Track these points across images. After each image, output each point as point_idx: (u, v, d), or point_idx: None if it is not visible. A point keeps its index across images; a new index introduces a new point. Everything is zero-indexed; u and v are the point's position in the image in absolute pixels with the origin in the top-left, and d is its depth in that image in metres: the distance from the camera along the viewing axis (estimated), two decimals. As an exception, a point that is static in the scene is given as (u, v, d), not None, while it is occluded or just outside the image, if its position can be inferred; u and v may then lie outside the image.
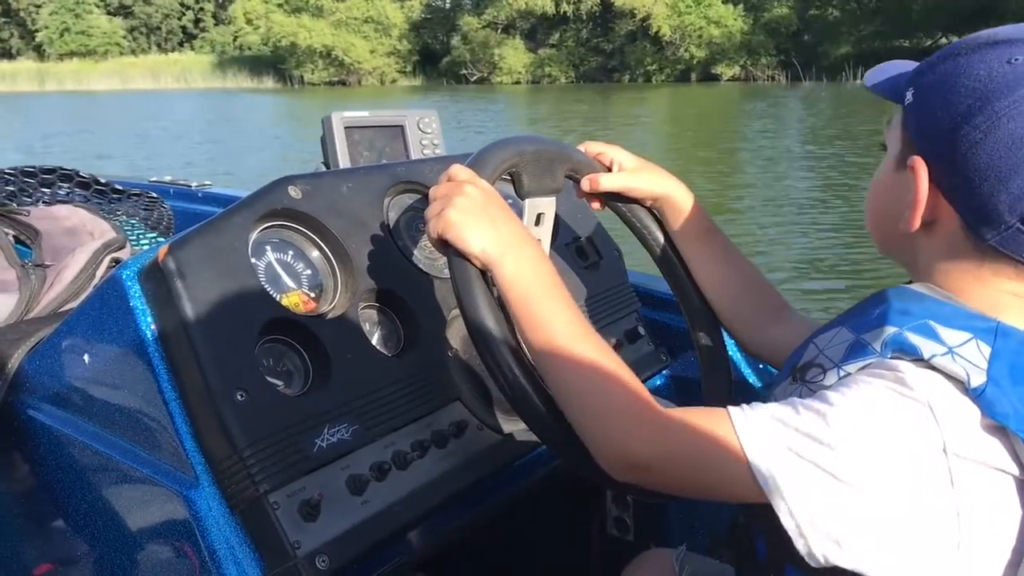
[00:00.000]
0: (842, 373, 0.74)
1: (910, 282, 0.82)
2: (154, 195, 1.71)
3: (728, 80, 34.48)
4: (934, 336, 0.71)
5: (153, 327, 0.88)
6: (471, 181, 0.86)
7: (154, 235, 1.52)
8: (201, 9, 59.26)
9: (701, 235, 1.08)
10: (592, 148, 1.08)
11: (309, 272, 1.02)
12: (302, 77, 41.63)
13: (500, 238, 0.83)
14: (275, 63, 42.97)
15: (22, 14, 53.86)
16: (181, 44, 58.46)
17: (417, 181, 1.16)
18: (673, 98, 25.94)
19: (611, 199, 1.09)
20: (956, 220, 0.74)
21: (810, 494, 0.69)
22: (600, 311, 1.28)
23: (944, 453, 0.68)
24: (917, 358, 0.70)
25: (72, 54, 50.87)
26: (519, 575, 1.53)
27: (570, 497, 1.39)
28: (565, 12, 38.49)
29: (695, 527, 1.37)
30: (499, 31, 40.00)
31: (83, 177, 1.61)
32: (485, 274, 0.84)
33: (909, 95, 0.78)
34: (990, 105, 0.70)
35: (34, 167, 1.56)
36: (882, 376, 0.71)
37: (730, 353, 1.12)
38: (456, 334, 1.09)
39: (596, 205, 1.10)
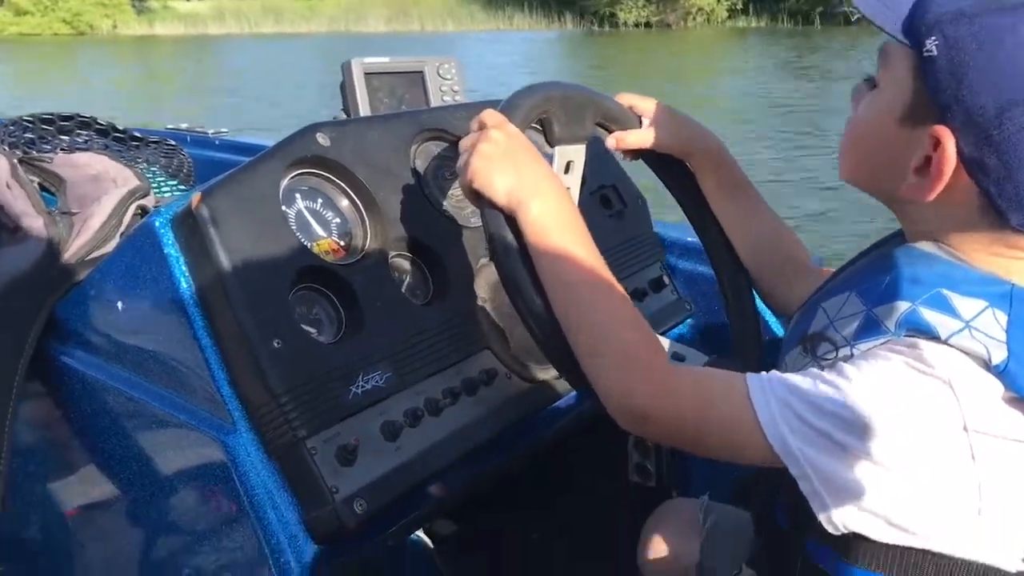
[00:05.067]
0: (856, 351, 0.72)
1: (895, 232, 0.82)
2: (172, 143, 1.70)
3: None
4: (949, 310, 0.69)
5: (188, 275, 0.88)
6: (497, 126, 0.85)
7: (175, 183, 1.52)
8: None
9: (732, 189, 1.07)
10: (625, 99, 1.06)
11: (338, 220, 1.02)
12: (612, 16, 35.08)
13: (524, 182, 0.82)
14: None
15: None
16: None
17: (443, 128, 1.15)
18: None
19: (641, 153, 1.08)
20: (976, 196, 0.70)
21: (827, 462, 0.69)
22: (624, 260, 1.27)
23: (965, 430, 0.67)
24: (934, 337, 0.68)
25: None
26: (547, 521, 1.56)
27: (598, 444, 1.41)
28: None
29: (719, 476, 1.39)
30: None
31: (101, 124, 1.59)
32: (513, 220, 0.83)
33: (932, 45, 0.69)
34: None
35: (51, 114, 1.55)
36: (901, 352, 0.69)
37: (760, 308, 1.12)
38: (485, 283, 1.08)
39: (627, 157, 1.09)
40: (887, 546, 0.71)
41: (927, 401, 0.67)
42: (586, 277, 0.80)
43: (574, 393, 1.10)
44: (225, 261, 0.86)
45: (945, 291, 0.70)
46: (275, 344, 0.85)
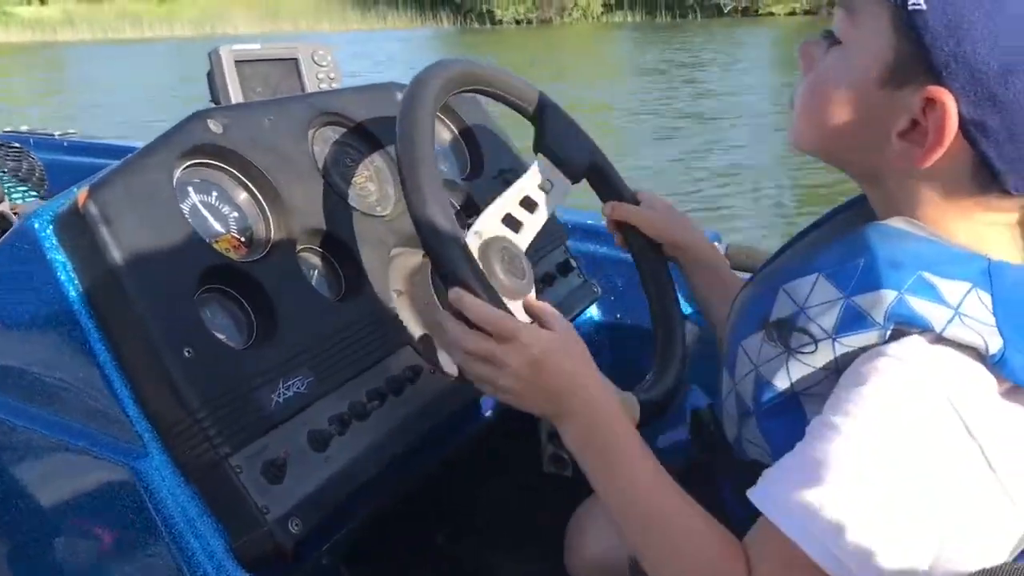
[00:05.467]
0: (839, 349, 0.67)
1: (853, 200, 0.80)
2: (17, 145, 1.55)
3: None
4: (935, 296, 0.64)
5: (77, 281, 0.79)
6: (513, 347, 0.77)
7: (26, 188, 1.38)
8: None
9: (723, 290, 1.02)
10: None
11: (236, 214, 0.93)
12: (490, 13, 34.79)
13: (557, 409, 0.79)
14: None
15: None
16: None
17: (339, 113, 1.08)
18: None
19: (629, 229, 1.06)
20: (965, 161, 0.66)
21: (871, 552, 0.61)
22: (532, 244, 1.23)
23: (971, 437, 0.62)
24: (926, 330, 0.64)
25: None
26: (479, 518, 1.50)
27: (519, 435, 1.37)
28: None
29: None
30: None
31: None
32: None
33: None
34: None
35: None
36: (893, 377, 0.63)
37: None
38: (399, 274, 1.03)
39: (611, 227, 1.08)
40: None
41: (933, 430, 0.62)
42: (652, 484, 0.75)
43: None
44: (121, 264, 0.76)
45: (926, 275, 0.65)
46: (185, 353, 0.76)
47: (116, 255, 0.76)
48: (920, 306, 0.64)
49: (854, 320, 0.66)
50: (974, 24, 0.62)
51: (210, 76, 1.42)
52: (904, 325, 0.64)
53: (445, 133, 1.27)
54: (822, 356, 0.68)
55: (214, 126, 0.91)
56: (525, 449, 1.40)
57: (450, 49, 24.43)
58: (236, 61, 1.42)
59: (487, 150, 1.24)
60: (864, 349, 0.66)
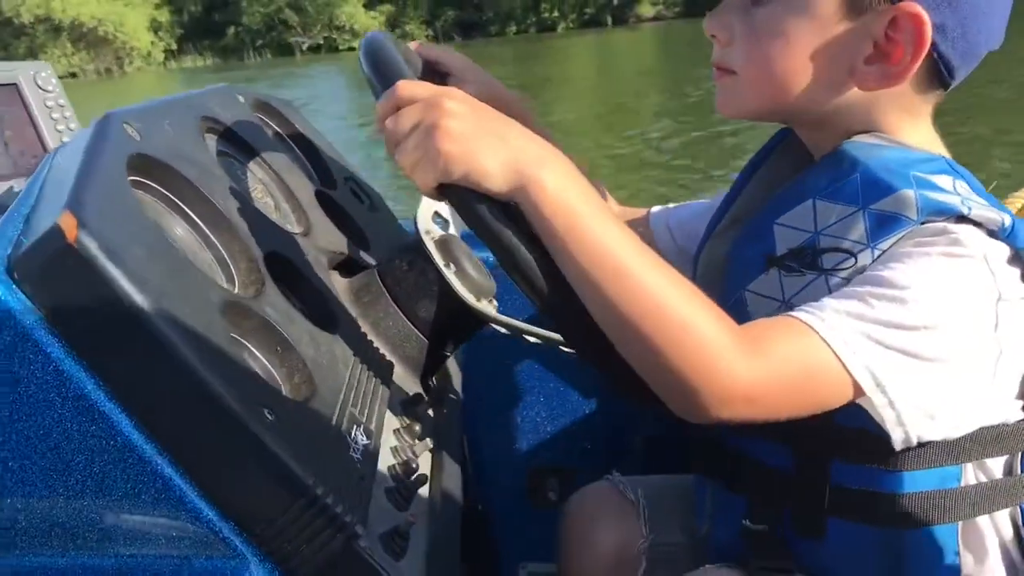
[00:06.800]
0: (877, 252, 0.70)
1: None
2: None
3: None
4: (939, 189, 0.69)
5: (90, 357, 0.55)
6: (445, 94, 0.65)
7: None
8: None
9: None
10: (429, 52, 0.95)
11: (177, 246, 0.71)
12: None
13: (521, 154, 0.64)
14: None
15: None
16: None
17: (215, 118, 0.91)
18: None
19: None
20: (927, 63, 0.71)
21: (905, 380, 0.66)
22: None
23: (998, 301, 0.68)
24: (955, 215, 0.69)
25: None
26: None
27: None
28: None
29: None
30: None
31: None
32: (508, 207, 0.65)
33: None
34: None
35: None
36: (935, 243, 0.68)
37: None
38: (348, 295, 0.89)
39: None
40: (931, 442, 0.70)
41: (974, 284, 0.67)
42: (637, 256, 0.64)
43: None
44: (151, 311, 0.54)
45: (917, 174, 0.70)
46: (268, 416, 0.57)
47: (137, 303, 0.53)
48: (938, 196, 0.69)
49: (885, 224, 0.70)
50: None
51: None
52: (934, 215, 0.69)
53: (279, 142, 1.10)
54: (859, 265, 0.71)
55: (132, 131, 0.71)
56: None
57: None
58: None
59: (326, 157, 1.14)
60: (896, 243, 0.70)
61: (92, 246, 0.53)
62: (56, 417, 0.56)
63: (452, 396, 0.94)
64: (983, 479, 0.75)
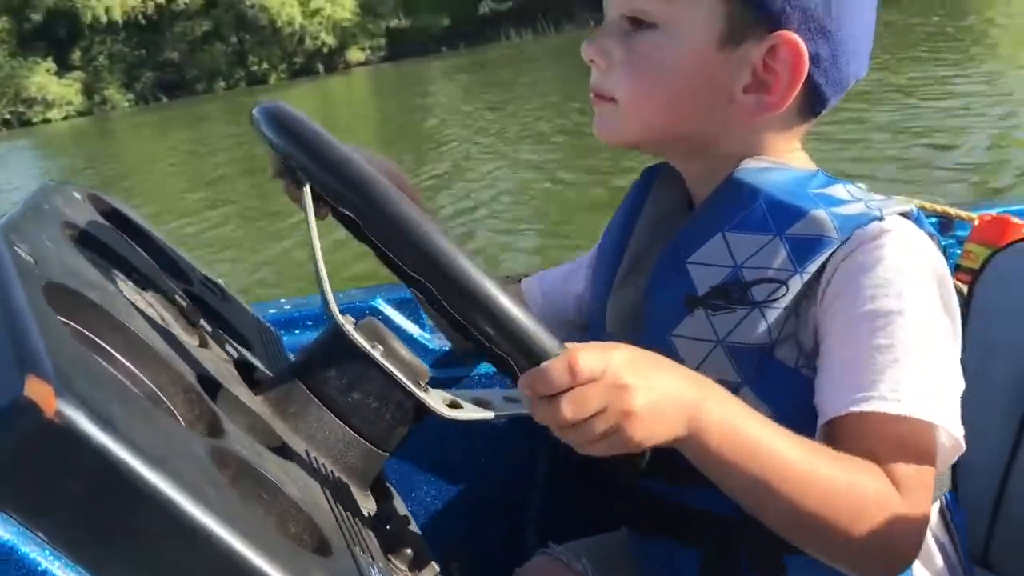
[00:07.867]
0: (806, 276, 0.71)
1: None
2: None
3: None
4: (840, 201, 0.73)
5: (92, 547, 0.43)
6: (618, 364, 0.59)
7: None
8: None
9: None
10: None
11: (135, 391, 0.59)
12: None
13: (685, 402, 0.63)
14: None
15: None
16: None
17: (72, 222, 0.79)
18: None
19: None
20: (802, 92, 0.74)
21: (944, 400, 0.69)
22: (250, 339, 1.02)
23: (944, 283, 0.73)
24: (872, 219, 0.71)
25: None
26: None
27: None
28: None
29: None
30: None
31: None
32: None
33: None
34: None
35: None
36: (885, 244, 0.70)
37: None
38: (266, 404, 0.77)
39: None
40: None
41: (935, 263, 0.72)
42: (794, 448, 0.65)
43: None
44: (156, 486, 0.43)
45: (815, 191, 0.73)
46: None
47: (143, 476, 0.43)
48: (846, 209, 0.72)
49: (808, 247, 0.71)
50: None
51: None
52: (856, 227, 0.71)
53: (129, 243, 0.93)
54: (792, 292, 0.72)
55: (23, 253, 0.58)
56: None
57: None
58: None
59: (168, 249, 0.99)
60: (825, 264, 0.72)
61: (78, 417, 0.42)
62: None
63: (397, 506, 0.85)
64: None
